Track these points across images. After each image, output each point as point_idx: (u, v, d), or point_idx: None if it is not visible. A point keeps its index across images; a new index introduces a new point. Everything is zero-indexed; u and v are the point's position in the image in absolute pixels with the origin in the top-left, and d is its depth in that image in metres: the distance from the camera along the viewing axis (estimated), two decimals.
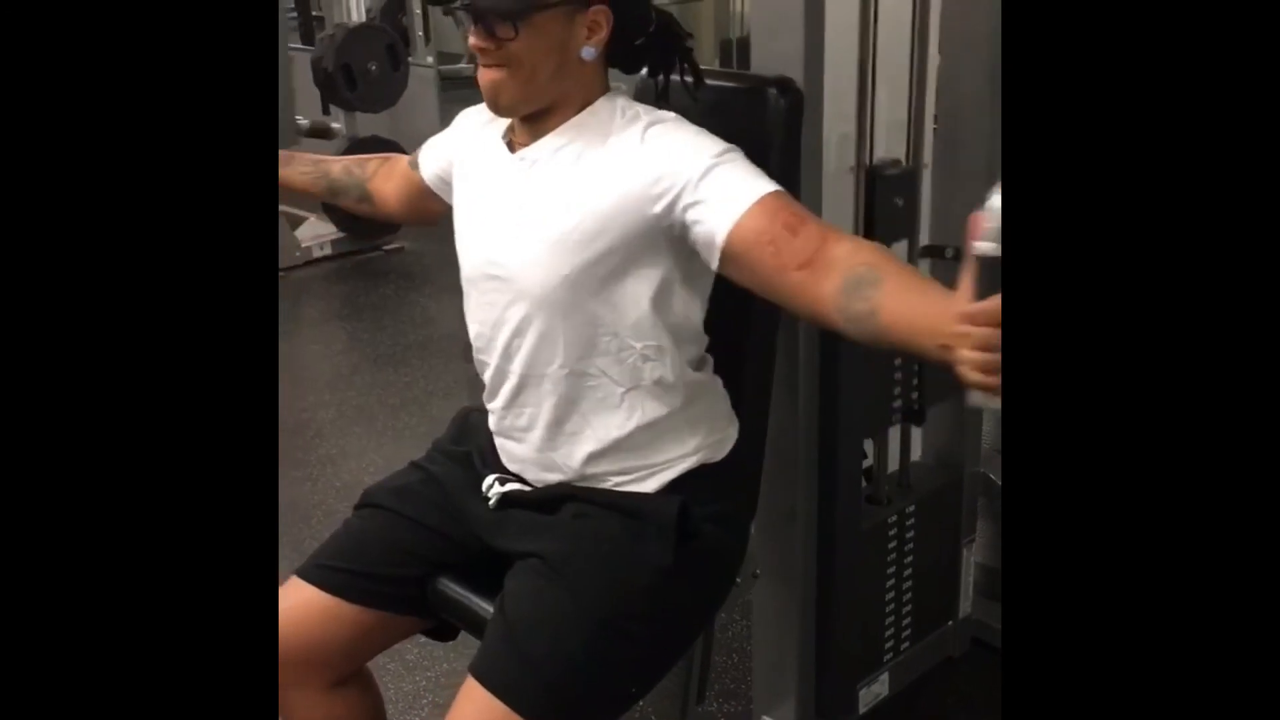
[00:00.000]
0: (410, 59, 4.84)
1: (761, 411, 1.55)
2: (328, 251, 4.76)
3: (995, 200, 0.93)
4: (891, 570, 1.96)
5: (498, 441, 1.49)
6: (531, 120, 1.38)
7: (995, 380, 0.95)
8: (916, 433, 2.01)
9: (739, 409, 1.49)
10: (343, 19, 5.05)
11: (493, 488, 1.46)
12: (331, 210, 4.70)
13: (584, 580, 1.33)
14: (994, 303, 0.94)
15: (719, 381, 1.47)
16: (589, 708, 1.33)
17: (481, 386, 1.50)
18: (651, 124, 1.33)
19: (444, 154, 1.57)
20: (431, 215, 1.68)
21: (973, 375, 0.98)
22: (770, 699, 1.93)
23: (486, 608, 1.44)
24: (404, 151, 4.04)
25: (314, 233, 4.79)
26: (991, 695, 2.07)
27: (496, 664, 1.30)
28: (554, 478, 1.43)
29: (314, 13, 6.11)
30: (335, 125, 4.79)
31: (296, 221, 4.81)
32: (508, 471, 1.48)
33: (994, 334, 0.94)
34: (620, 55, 1.38)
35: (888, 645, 2.00)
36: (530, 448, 1.43)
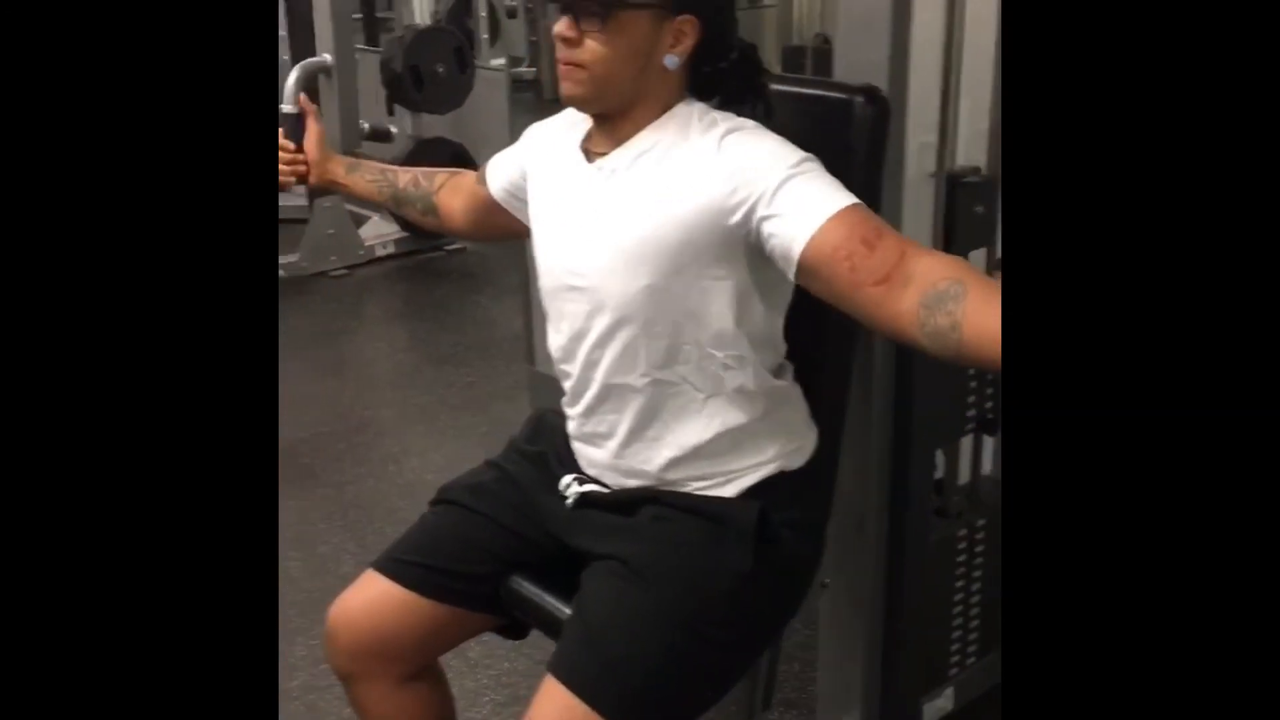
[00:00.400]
0: (475, 61, 4.87)
1: (838, 419, 1.54)
2: (390, 250, 4.81)
3: None
4: (959, 584, 1.94)
5: (575, 446, 1.50)
6: (609, 127, 1.38)
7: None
8: (986, 447, 1.99)
9: (816, 417, 1.49)
10: (410, 21, 5.11)
11: (570, 487, 1.47)
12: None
13: (664, 583, 1.34)
14: None
15: (798, 389, 1.47)
16: (667, 710, 1.33)
17: (549, 390, 1.50)
18: (729, 131, 1.32)
19: (514, 168, 1.57)
20: (497, 231, 1.67)
21: None
22: (834, 710, 1.92)
23: (561, 607, 1.45)
24: (469, 156, 4.09)
25: (377, 232, 4.83)
26: None
27: (576, 664, 1.30)
28: (633, 483, 1.44)
29: (379, 14, 6.20)
30: (394, 129, 4.83)
31: (360, 220, 4.86)
32: (584, 473, 1.49)
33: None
34: (698, 78, 1.38)
35: (953, 660, 1.99)
36: (609, 453, 1.44)
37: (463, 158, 4.78)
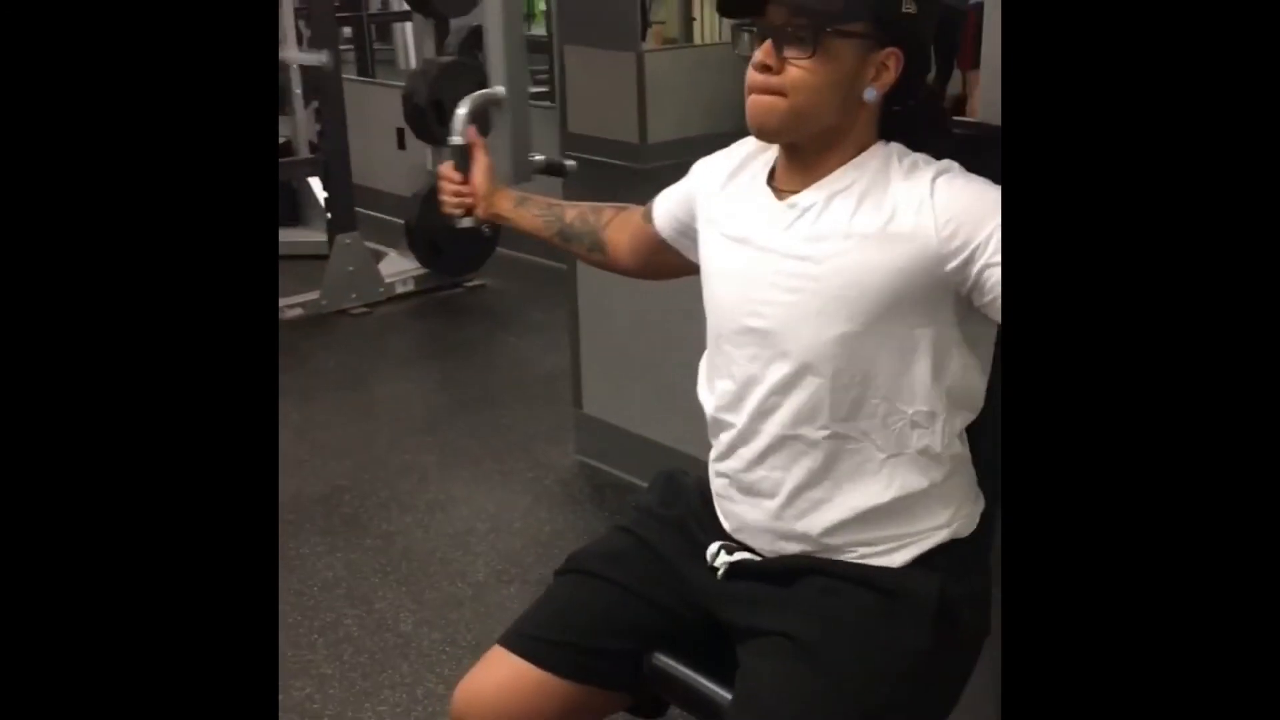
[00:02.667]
0: None
1: (998, 483, 1.44)
2: (410, 287, 4.69)
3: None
4: None
5: (723, 506, 1.39)
6: (801, 163, 1.30)
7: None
8: None
9: (980, 482, 1.39)
10: (406, 58, 5.01)
11: (719, 556, 1.37)
12: (415, 246, 4.65)
13: (839, 664, 1.23)
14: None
15: (969, 452, 1.37)
16: None
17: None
18: (940, 173, 1.24)
19: (683, 204, 1.48)
20: (666, 269, 1.59)
21: None
22: None
23: (713, 687, 1.34)
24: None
25: (396, 268, 4.72)
26: None
27: None
28: (790, 548, 1.33)
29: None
30: (569, 163, 4.70)
31: (379, 257, 4.75)
32: (731, 538, 1.38)
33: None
34: (887, 116, 1.30)
35: None
36: (767, 514, 1.33)
37: None
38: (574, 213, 1.66)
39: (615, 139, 3.18)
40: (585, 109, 3.29)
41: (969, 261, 1.19)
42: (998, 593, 1.52)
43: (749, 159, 1.39)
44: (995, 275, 1.17)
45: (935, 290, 1.22)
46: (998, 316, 1.19)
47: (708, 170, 1.45)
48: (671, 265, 1.56)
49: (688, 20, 4.31)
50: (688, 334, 2.21)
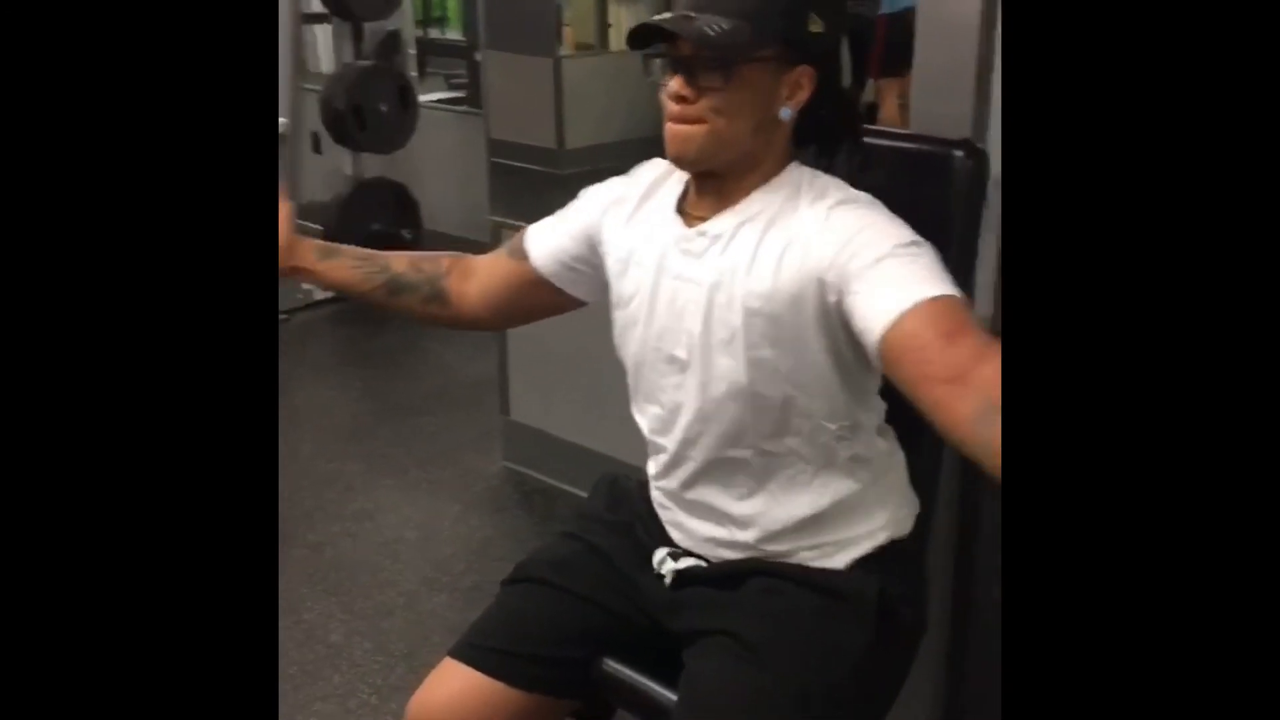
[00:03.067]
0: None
1: (934, 486, 1.49)
2: (329, 294, 4.63)
3: None
4: None
5: (666, 517, 1.41)
6: (715, 189, 1.30)
7: None
8: None
9: (915, 485, 1.43)
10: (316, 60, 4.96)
11: (665, 563, 1.39)
12: None
13: (783, 661, 1.26)
14: None
15: (902, 455, 1.41)
16: None
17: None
18: (840, 203, 1.25)
19: (574, 236, 1.44)
20: (523, 313, 1.54)
21: None
22: None
23: (662, 691, 1.37)
24: (411, 196, 3.90)
25: None
26: None
27: None
28: (733, 555, 1.36)
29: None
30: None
31: None
32: (677, 546, 1.41)
33: None
34: (800, 127, 1.31)
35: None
36: (708, 526, 1.36)
37: (404, 198, 4.67)
38: (403, 263, 1.49)
39: (534, 144, 3.18)
40: (506, 115, 3.28)
41: (842, 292, 1.20)
42: (934, 591, 1.57)
43: (655, 185, 1.38)
44: (852, 304, 1.18)
45: (829, 318, 1.23)
46: (865, 345, 1.19)
47: (607, 198, 1.42)
48: (541, 305, 1.50)
49: (603, 26, 4.33)
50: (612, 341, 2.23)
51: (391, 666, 2.34)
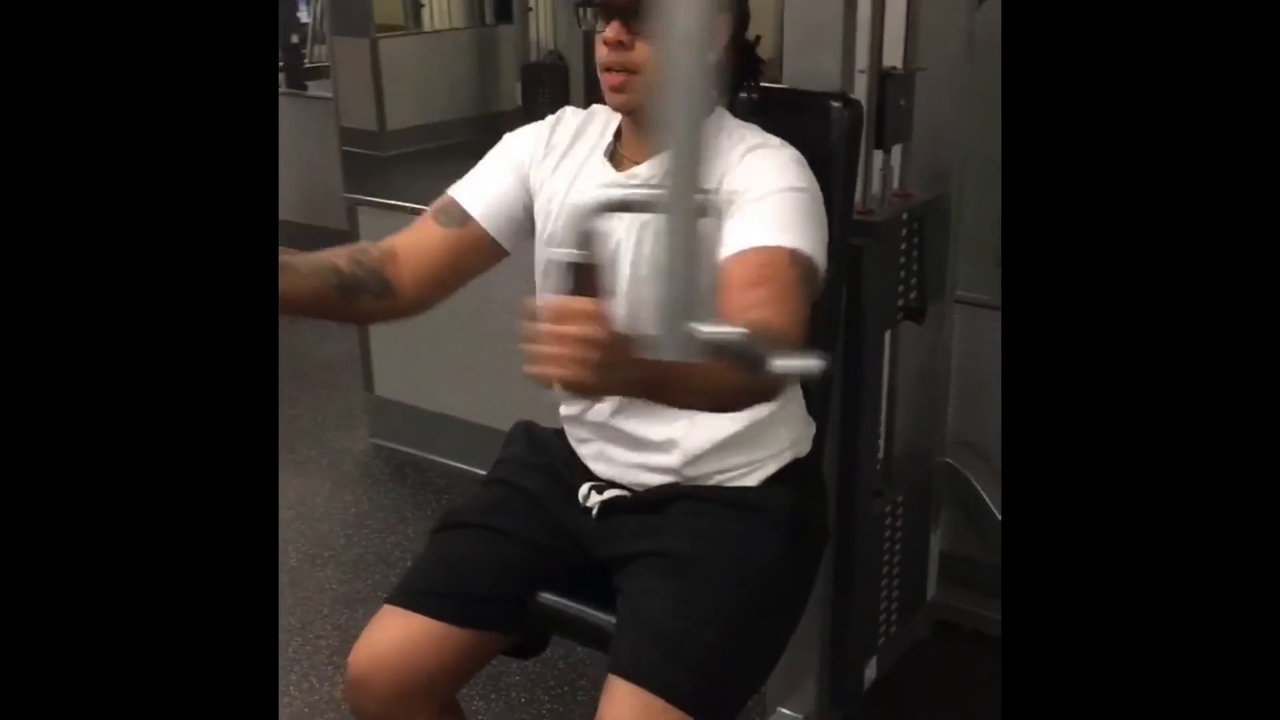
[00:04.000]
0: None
1: (827, 407, 1.62)
2: None
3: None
4: (885, 559, 2.07)
5: (590, 449, 1.50)
6: (644, 133, 1.40)
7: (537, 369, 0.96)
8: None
9: (809, 408, 1.56)
10: None
11: (590, 496, 1.48)
12: None
13: (712, 573, 1.37)
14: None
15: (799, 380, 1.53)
16: (734, 692, 1.37)
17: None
18: (754, 148, 1.36)
19: (510, 186, 1.47)
20: (462, 279, 1.48)
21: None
22: (784, 690, 2.00)
23: (599, 615, 1.45)
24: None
25: None
26: (957, 674, 2.23)
27: (642, 661, 1.31)
28: (656, 480, 1.46)
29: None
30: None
31: None
32: (599, 479, 1.50)
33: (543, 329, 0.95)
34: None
35: (881, 631, 2.11)
36: (633, 454, 1.46)
37: None
38: (344, 260, 1.40)
39: (358, 128, 3.16)
40: (346, 100, 3.27)
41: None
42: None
43: (580, 131, 1.47)
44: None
45: None
46: None
47: (533, 142, 1.49)
48: (473, 269, 1.48)
49: (416, 5, 4.31)
50: (478, 308, 2.28)
51: (286, 641, 2.34)
